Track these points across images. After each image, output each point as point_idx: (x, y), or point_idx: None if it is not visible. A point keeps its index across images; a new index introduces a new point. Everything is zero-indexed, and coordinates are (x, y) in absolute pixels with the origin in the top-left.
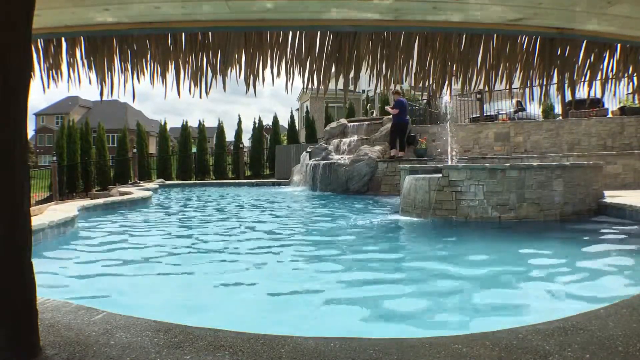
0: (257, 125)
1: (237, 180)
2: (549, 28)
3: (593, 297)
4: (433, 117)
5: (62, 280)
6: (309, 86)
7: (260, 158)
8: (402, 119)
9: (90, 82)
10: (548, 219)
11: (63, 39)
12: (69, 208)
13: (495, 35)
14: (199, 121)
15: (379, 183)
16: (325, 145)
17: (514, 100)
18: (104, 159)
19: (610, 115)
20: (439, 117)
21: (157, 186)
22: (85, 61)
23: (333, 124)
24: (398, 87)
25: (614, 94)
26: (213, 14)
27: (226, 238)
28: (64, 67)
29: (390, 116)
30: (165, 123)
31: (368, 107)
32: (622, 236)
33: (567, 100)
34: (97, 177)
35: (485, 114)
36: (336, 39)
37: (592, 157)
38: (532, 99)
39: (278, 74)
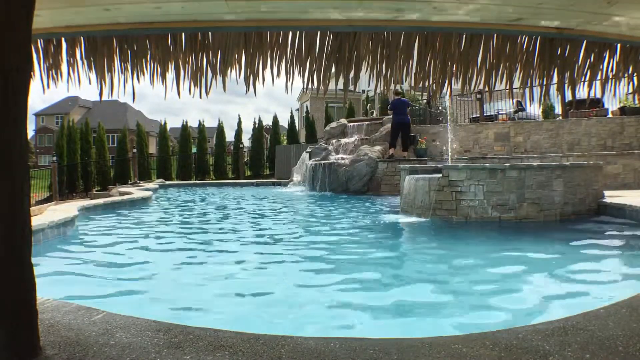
0: (257, 125)
1: (237, 180)
2: (549, 28)
3: (593, 297)
4: (433, 117)
5: (62, 280)
6: (309, 86)
7: (260, 158)
8: (398, 119)
9: (90, 82)
10: (548, 219)
11: (63, 39)
12: (68, 208)
13: (495, 35)
14: (199, 121)
15: (379, 183)
16: (325, 146)
17: (514, 100)
18: (104, 159)
19: (610, 115)
20: (439, 117)
21: (157, 186)
22: (85, 61)
23: (333, 124)
24: (398, 87)
25: (614, 94)
26: (213, 14)
27: (226, 238)
28: (64, 67)
29: (390, 116)
30: (165, 123)
31: (368, 107)
32: (622, 236)
33: (567, 100)
34: (97, 177)
35: (485, 114)
36: (336, 39)
37: (592, 157)
38: (532, 99)
39: (278, 74)
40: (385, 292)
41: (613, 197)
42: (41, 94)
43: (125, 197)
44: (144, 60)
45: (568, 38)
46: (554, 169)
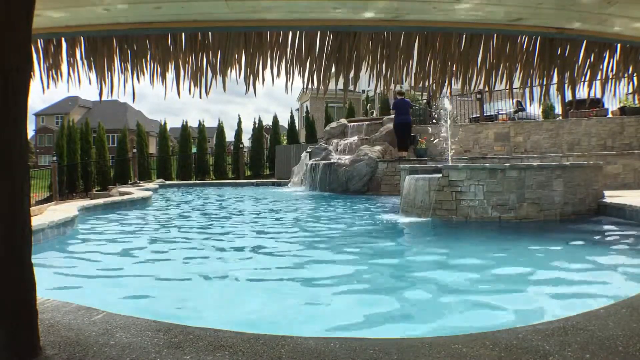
0: (257, 125)
1: (237, 180)
2: (549, 28)
3: (593, 296)
4: (432, 118)
5: (62, 280)
6: (309, 86)
7: (260, 158)
8: (400, 119)
9: (90, 82)
10: (548, 219)
11: (63, 39)
12: (68, 208)
13: (495, 35)
14: (199, 121)
15: (379, 183)
16: (325, 146)
17: (514, 100)
18: (104, 159)
19: (610, 115)
20: (434, 118)
21: (157, 186)
22: (85, 61)
23: (333, 124)
24: (398, 87)
25: (614, 94)
26: (213, 14)
27: (225, 238)
28: (64, 67)
29: (391, 116)
30: (165, 123)
31: (368, 107)
32: (622, 236)
33: (567, 100)
34: (97, 177)
35: (485, 114)
36: (336, 39)
37: (592, 157)
38: (532, 99)
39: (278, 74)
40: (385, 291)
41: (613, 197)
42: (41, 94)
43: (125, 197)
44: (144, 60)
45: (568, 38)
46: (554, 169)
